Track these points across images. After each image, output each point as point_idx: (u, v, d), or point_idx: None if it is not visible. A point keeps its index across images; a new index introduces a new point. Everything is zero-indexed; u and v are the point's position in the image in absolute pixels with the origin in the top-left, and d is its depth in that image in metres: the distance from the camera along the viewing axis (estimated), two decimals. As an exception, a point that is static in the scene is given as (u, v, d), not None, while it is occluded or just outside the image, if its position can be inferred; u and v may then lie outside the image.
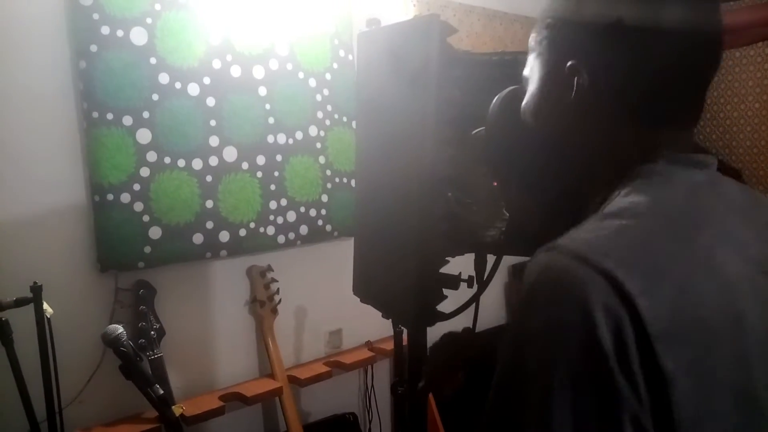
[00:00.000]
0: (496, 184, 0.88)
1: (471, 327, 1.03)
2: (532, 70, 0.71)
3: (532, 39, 0.72)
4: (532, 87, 0.72)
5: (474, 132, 0.87)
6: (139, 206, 1.71)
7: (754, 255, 0.60)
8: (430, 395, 2.24)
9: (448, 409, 2.33)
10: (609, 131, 0.65)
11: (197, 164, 1.83)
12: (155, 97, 1.74)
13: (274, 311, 2.06)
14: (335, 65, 2.15)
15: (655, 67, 0.62)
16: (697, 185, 0.63)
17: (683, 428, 0.50)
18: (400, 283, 0.95)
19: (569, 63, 0.64)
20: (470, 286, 0.98)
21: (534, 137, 0.73)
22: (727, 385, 0.53)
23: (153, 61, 1.73)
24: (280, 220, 2.03)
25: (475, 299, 0.98)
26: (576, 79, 0.64)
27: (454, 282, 0.95)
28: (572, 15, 0.66)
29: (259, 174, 1.98)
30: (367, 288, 1.10)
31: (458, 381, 1.00)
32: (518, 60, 0.91)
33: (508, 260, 2.94)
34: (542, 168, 0.75)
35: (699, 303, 0.53)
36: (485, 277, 0.99)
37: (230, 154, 1.90)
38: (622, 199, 0.60)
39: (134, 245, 1.72)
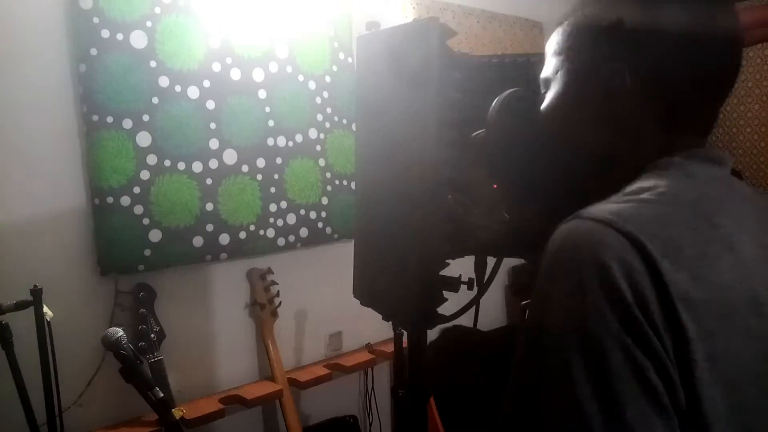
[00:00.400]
0: (496, 186, 0.88)
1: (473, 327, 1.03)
2: (558, 73, 0.70)
3: (557, 41, 0.71)
4: (558, 92, 0.71)
5: (474, 134, 0.87)
6: (139, 209, 1.72)
7: (765, 241, 0.61)
8: (431, 396, 2.24)
9: (449, 410, 2.33)
10: (631, 132, 0.66)
11: (197, 167, 1.83)
12: (155, 100, 1.74)
13: (274, 314, 2.06)
14: (335, 68, 2.16)
15: (688, 73, 0.63)
16: (714, 179, 0.64)
17: (703, 390, 0.50)
18: (400, 286, 0.95)
19: (613, 65, 0.64)
20: (470, 288, 0.98)
21: (536, 139, 0.73)
22: (744, 359, 0.54)
23: (153, 64, 1.73)
24: (280, 222, 2.04)
25: (474, 302, 0.98)
26: (618, 81, 0.64)
27: (454, 284, 0.95)
28: (599, 18, 0.66)
29: (259, 177, 1.98)
30: (367, 290, 1.09)
31: (471, 372, 1.00)
32: (518, 63, 0.92)
33: (509, 262, 2.94)
34: (545, 170, 0.74)
35: (717, 275, 0.54)
36: (485, 280, 0.99)
37: (230, 156, 1.90)
38: (642, 183, 0.61)
39: (134, 248, 1.72)
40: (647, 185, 0.60)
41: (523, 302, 2.91)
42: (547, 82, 0.72)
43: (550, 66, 0.72)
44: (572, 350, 0.51)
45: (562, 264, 0.55)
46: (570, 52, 0.69)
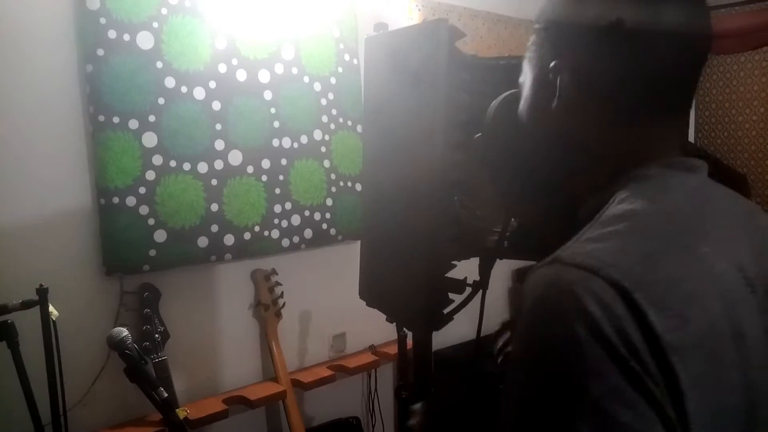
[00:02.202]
0: (496, 188, 0.88)
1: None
2: (525, 74, 0.72)
3: (528, 45, 0.72)
4: (525, 92, 0.72)
5: (475, 137, 0.87)
6: (144, 210, 1.72)
7: (744, 263, 0.60)
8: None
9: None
10: (598, 132, 0.65)
11: (202, 168, 1.84)
12: (161, 100, 1.74)
13: (278, 315, 2.06)
14: (340, 69, 2.16)
15: (645, 68, 0.62)
16: (692, 190, 0.62)
17: None
18: (407, 287, 0.95)
19: (551, 63, 0.65)
20: (475, 290, 0.98)
21: (531, 141, 0.73)
22: (733, 400, 0.53)
23: (159, 65, 1.73)
24: (284, 223, 2.04)
25: (469, 300, 0.98)
26: (559, 78, 0.64)
27: (460, 286, 0.94)
28: (562, 17, 0.66)
29: (264, 177, 1.98)
30: (373, 291, 1.09)
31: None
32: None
33: (513, 264, 2.93)
34: (541, 172, 0.74)
35: (705, 314, 0.53)
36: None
37: (235, 157, 1.91)
38: (619, 206, 0.59)
39: (139, 248, 1.72)
40: (625, 211, 0.58)
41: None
42: (521, 87, 0.74)
43: (522, 70, 0.73)
44: (573, 410, 0.48)
45: (549, 317, 0.52)
46: (530, 54, 0.70)
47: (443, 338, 2.48)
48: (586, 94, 0.64)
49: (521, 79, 0.73)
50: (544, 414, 0.50)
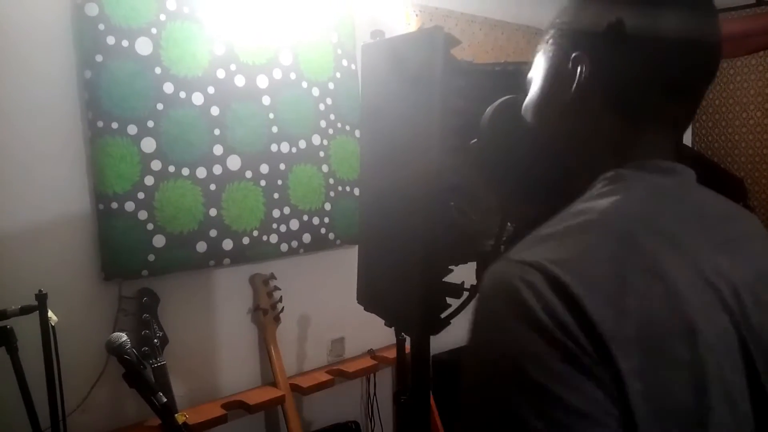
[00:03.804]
0: (493, 192, 0.88)
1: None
2: (537, 68, 0.73)
3: (540, 43, 0.73)
4: (535, 85, 0.73)
5: (471, 142, 0.88)
6: (143, 215, 1.72)
7: (706, 263, 0.60)
8: (432, 402, 2.24)
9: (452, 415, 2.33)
10: (600, 129, 0.66)
11: (201, 173, 1.84)
12: (160, 106, 1.75)
13: (277, 319, 2.06)
14: (338, 74, 2.17)
15: (645, 69, 0.63)
16: (659, 191, 0.63)
17: (640, 426, 0.50)
18: (405, 291, 0.95)
19: (574, 54, 0.66)
20: (473, 294, 0.98)
21: (530, 145, 0.73)
22: (675, 393, 0.53)
23: (158, 70, 1.74)
24: (283, 228, 2.04)
25: (466, 304, 0.98)
26: (579, 68, 0.66)
27: (457, 291, 0.95)
28: (577, 15, 0.68)
29: (263, 182, 1.99)
30: (371, 296, 1.10)
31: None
32: (521, 70, 0.92)
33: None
34: (540, 175, 0.75)
35: (647, 309, 0.53)
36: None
37: (234, 162, 1.91)
38: (579, 204, 0.62)
39: (138, 253, 1.72)
40: (582, 208, 0.60)
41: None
42: (529, 82, 0.75)
43: (533, 65, 0.75)
44: (516, 395, 0.50)
45: (488, 309, 0.55)
46: (545, 48, 0.71)
47: (441, 342, 2.48)
48: (597, 88, 0.65)
49: (530, 75, 0.74)
50: (490, 406, 0.52)
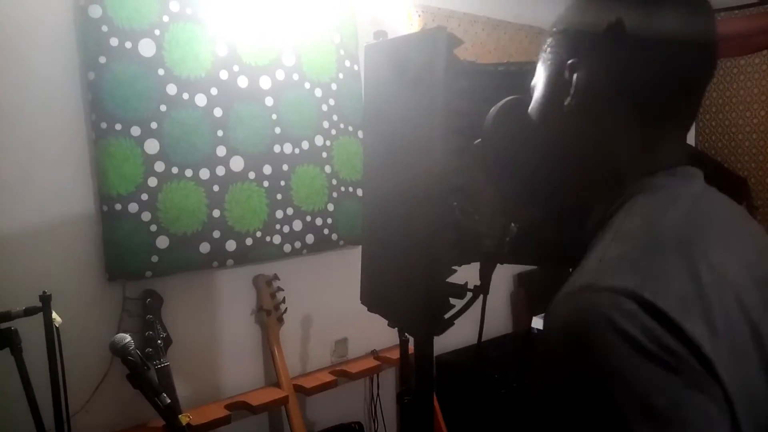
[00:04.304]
0: (496, 193, 0.88)
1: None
2: (538, 75, 0.73)
3: (541, 51, 0.73)
4: (537, 93, 0.73)
5: (475, 142, 0.87)
6: (146, 216, 1.73)
7: (750, 265, 0.61)
8: (436, 403, 2.23)
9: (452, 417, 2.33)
10: (607, 132, 0.66)
11: (204, 174, 1.84)
12: (163, 107, 1.75)
13: (280, 320, 2.07)
14: (341, 75, 2.17)
15: (650, 70, 0.63)
16: (696, 199, 0.63)
17: None
18: (408, 292, 0.95)
19: (569, 61, 0.66)
20: (476, 295, 0.98)
21: (535, 146, 0.73)
22: (761, 396, 0.54)
23: (161, 72, 1.74)
24: (286, 229, 2.04)
25: (470, 305, 0.98)
26: (575, 76, 0.66)
27: (460, 291, 0.95)
28: (575, 20, 0.68)
29: (266, 183, 1.99)
30: (374, 297, 1.10)
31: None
32: (524, 70, 0.92)
33: (514, 269, 2.94)
34: (546, 177, 0.75)
35: (729, 320, 0.54)
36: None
37: (237, 163, 1.92)
38: (634, 220, 0.60)
39: (142, 255, 1.73)
40: (641, 225, 0.59)
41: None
42: (533, 89, 0.75)
43: (536, 73, 0.74)
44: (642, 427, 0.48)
45: (587, 343, 0.51)
46: (545, 56, 0.71)
47: (444, 343, 2.49)
48: (598, 93, 0.65)
49: (533, 81, 0.74)
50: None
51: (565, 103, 0.67)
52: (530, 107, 0.74)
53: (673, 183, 0.63)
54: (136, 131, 1.70)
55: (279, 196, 2.02)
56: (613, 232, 0.60)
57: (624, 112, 0.65)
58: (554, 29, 0.71)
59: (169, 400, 1.44)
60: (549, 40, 0.71)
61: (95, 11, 1.63)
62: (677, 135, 0.67)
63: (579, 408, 0.52)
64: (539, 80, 0.73)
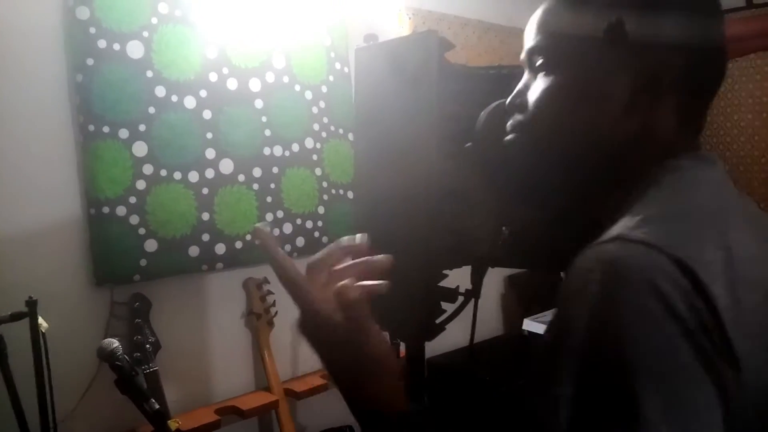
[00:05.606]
0: (489, 196, 0.88)
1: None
2: (534, 94, 0.70)
3: (532, 52, 0.71)
4: (539, 102, 0.70)
5: (466, 145, 0.87)
6: (135, 219, 1.71)
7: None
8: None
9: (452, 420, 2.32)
10: (648, 133, 0.65)
11: (193, 177, 1.83)
12: (152, 110, 1.74)
13: (271, 324, 2.05)
14: (331, 78, 2.16)
15: (661, 75, 0.63)
16: (717, 183, 0.64)
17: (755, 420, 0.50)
18: (400, 297, 0.95)
19: (571, 62, 0.66)
20: (467, 299, 0.98)
21: (529, 146, 0.72)
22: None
23: (149, 74, 1.73)
24: (276, 232, 2.03)
25: (461, 309, 0.98)
26: (584, 85, 0.65)
27: (452, 295, 0.95)
28: (574, 26, 0.67)
29: (256, 186, 1.98)
30: (365, 301, 1.09)
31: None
32: (514, 74, 0.92)
33: (505, 272, 2.94)
34: (541, 179, 0.74)
35: (751, 297, 0.54)
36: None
37: (226, 166, 1.90)
38: (660, 194, 0.60)
39: (130, 258, 1.71)
40: (668, 199, 0.59)
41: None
42: (521, 93, 0.72)
43: (526, 79, 0.72)
44: (644, 384, 0.47)
45: (617, 293, 0.50)
46: (547, 60, 0.69)
47: (436, 346, 2.47)
48: (614, 97, 0.65)
49: (529, 102, 0.72)
50: (608, 397, 0.48)
51: (580, 107, 0.66)
52: (531, 113, 0.70)
53: (695, 165, 0.63)
54: (124, 134, 1.69)
55: (269, 199, 2.01)
56: (641, 203, 0.60)
57: (664, 115, 0.65)
58: (551, 32, 0.69)
59: (158, 406, 1.42)
60: (550, 44, 0.69)
61: (83, 13, 1.61)
62: (695, 136, 0.68)
63: (589, 355, 0.50)
64: (539, 101, 0.69)
